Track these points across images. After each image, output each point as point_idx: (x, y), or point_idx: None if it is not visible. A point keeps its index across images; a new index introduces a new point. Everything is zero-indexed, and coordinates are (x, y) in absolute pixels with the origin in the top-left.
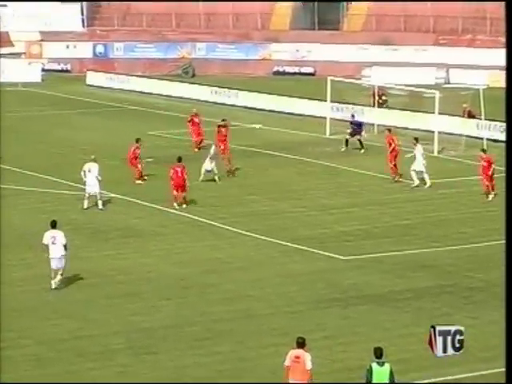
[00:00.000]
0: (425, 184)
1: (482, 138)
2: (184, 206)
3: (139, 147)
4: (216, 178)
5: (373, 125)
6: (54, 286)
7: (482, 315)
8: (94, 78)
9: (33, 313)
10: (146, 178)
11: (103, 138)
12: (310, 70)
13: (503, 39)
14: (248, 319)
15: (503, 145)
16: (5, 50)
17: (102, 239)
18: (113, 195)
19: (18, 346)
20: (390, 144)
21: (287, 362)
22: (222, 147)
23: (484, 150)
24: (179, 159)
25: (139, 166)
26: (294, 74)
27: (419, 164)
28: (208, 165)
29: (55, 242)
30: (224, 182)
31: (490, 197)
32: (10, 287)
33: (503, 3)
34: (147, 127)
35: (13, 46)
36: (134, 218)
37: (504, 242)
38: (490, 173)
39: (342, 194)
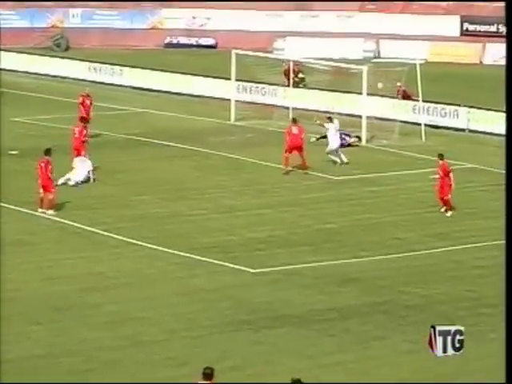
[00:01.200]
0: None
1: (419, 124)
2: (50, 211)
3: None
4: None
5: (287, 108)
6: None
7: (423, 339)
8: None
9: None
10: None
11: None
12: (210, 41)
13: (444, 4)
14: (138, 347)
15: (445, 131)
16: None
17: None
18: None
19: None
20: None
21: None
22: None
23: (441, 156)
24: (47, 151)
25: None
26: (191, 46)
27: (333, 143)
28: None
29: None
30: (106, 178)
31: (449, 213)
32: None
33: None
34: (10, 113)
35: None
36: None
37: (506, 243)
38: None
39: (251, 192)
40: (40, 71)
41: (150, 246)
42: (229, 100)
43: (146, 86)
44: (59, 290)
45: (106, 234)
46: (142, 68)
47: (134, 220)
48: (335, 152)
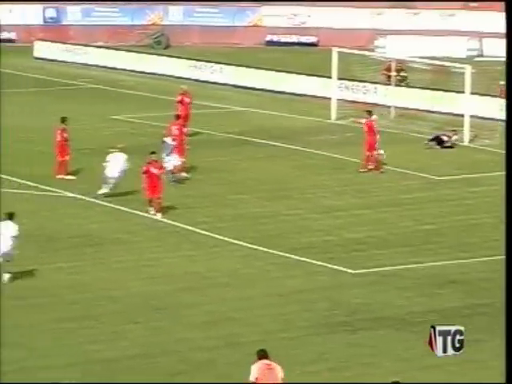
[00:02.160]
0: None
1: None
2: (158, 215)
3: (66, 130)
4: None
5: (389, 107)
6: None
7: None
8: (44, 50)
9: None
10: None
11: (55, 124)
12: (311, 39)
13: None
14: (233, 348)
15: None
16: None
17: (52, 249)
18: (70, 194)
19: None
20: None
21: (255, 375)
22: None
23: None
24: (152, 153)
25: (66, 156)
26: (292, 44)
27: None
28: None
29: (4, 233)
30: (205, 177)
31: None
32: None
33: None
34: (110, 110)
35: None
36: (93, 223)
37: None
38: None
39: (351, 192)
40: (140, 69)
41: (248, 245)
42: (329, 98)
43: (246, 85)
44: (156, 290)
45: (204, 233)
46: (243, 66)
47: (233, 220)
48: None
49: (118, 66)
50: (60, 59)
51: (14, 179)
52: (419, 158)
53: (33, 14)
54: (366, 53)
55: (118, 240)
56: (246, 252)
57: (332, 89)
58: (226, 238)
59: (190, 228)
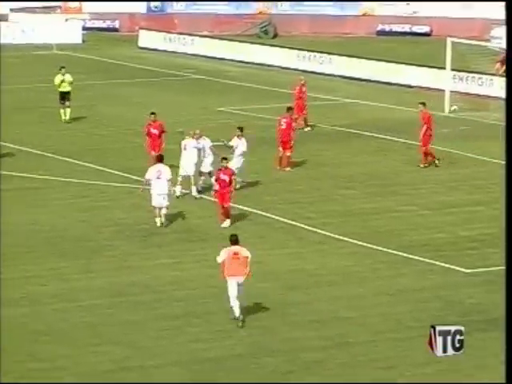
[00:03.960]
0: None
1: None
2: (226, 222)
3: (155, 122)
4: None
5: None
6: (159, 224)
7: None
8: (148, 39)
9: (68, 337)
10: None
11: (159, 115)
12: (424, 28)
13: None
14: (342, 348)
15: None
16: (37, 4)
17: (156, 244)
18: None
19: (49, 379)
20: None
21: (222, 258)
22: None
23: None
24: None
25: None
26: (404, 33)
27: None
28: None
29: (160, 176)
30: (313, 172)
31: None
32: (37, 304)
33: None
34: (214, 102)
35: None
36: (197, 218)
37: None
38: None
39: (465, 188)
40: (246, 59)
41: (356, 242)
42: (443, 90)
43: (355, 75)
44: (262, 287)
45: (311, 229)
46: (353, 56)
47: (341, 215)
48: None
49: (223, 56)
50: (163, 49)
51: (116, 172)
52: None
53: (137, 3)
54: (482, 43)
55: (222, 236)
56: (354, 249)
57: (445, 80)
58: (333, 235)
59: (297, 224)
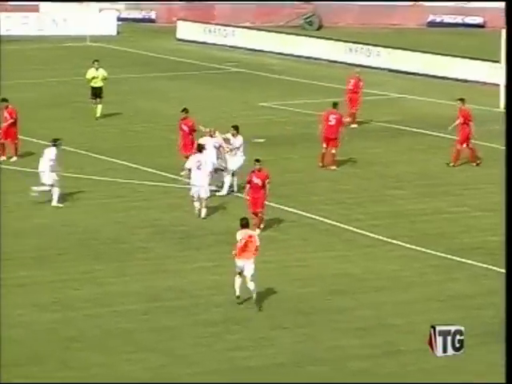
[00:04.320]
0: None
1: None
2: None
3: (186, 118)
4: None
5: None
6: (197, 213)
7: None
8: (187, 30)
9: (101, 344)
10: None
11: (198, 110)
12: (477, 20)
13: None
14: (390, 356)
15: None
16: None
17: (194, 247)
18: (213, 188)
19: None
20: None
21: (239, 238)
22: None
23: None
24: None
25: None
26: (456, 25)
27: None
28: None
29: (200, 167)
30: (359, 171)
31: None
32: (69, 310)
33: None
34: (258, 96)
35: None
36: (235, 219)
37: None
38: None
39: None
40: (290, 51)
41: (405, 245)
42: (498, 85)
43: (404, 69)
44: (306, 292)
45: (358, 231)
46: (401, 49)
47: (390, 217)
48: None
49: (266, 49)
50: (203, 41)
51: (151, 170)
52: None
53: None
54: None
55: (264, 238)
56: (403, 252)
57: (500, 74)
58: (381, 237)
59: (342, 226)
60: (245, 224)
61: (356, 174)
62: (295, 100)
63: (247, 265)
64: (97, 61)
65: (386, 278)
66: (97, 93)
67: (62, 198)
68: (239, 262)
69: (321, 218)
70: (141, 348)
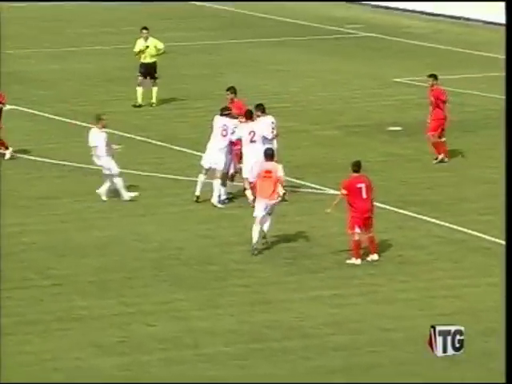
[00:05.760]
0: None
1: None
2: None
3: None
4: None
5: None
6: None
7: None
8: None
9: None
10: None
11: (313, 87)
12: None
13: None
14: None
15: None
16: None
17: (307, 269)
18: (332, 191)
19: None
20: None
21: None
22: None
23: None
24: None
25: None
26: None
27: None
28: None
29: (254, 138)
30: None
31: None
32: (141, 352)
33: None
34: (391, 70)
35: None
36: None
37: None
38: None
39: None
40: (434, 10)
41: None
42: None
43: None
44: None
45: None
46: None
47: None
48: None
49: (401, 6)
50: None
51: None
52: None
53: None
54: None
55: (401, 258)
56: None
57: None
58: None
59: (502, 242)
60: (269, 155)
61: None
62: (444, 75)
63: (261, 205)
64: (145, 28)
65: None
66: (148, 71)
67: (133, 204)
68: (257, 201)
69: (475, 233)
70: None
